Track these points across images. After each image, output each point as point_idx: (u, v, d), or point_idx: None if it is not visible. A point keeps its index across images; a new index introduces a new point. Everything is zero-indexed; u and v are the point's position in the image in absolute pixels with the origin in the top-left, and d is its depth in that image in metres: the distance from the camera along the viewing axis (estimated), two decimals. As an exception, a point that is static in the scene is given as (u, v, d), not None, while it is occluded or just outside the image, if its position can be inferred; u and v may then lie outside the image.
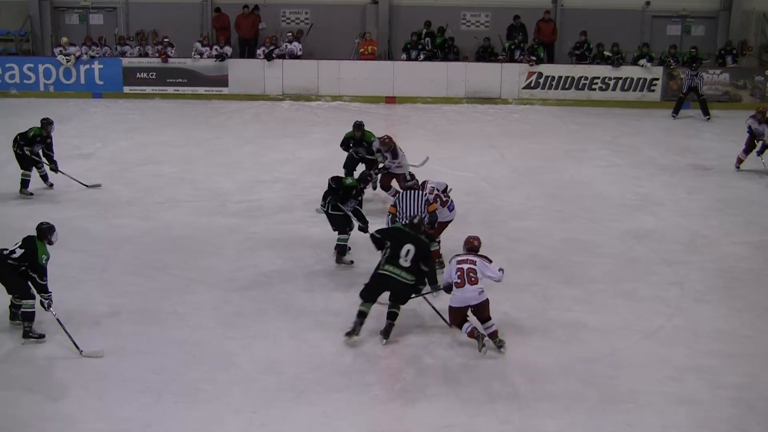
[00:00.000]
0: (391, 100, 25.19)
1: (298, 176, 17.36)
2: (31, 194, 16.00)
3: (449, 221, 12.66)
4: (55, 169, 16.33)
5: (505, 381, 9.66)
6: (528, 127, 22.60)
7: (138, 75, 25.70)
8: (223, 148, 19.56)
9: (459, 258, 10.61)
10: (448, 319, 10.68)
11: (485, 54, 26.15)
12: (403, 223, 11.43)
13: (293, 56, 25.73)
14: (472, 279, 10.37)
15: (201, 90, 25.44)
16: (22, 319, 10.48)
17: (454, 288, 10.44)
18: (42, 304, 10.34)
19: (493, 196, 16.37)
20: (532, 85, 25.50)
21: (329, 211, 12.76)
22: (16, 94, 25.45)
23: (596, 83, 25.45)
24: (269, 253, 13.31)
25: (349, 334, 10.45)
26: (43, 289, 10.29)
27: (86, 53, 25.61)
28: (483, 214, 15.26)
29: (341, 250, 12.97)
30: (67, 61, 25.45)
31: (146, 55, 25.93)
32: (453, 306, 10.48)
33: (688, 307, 11.69)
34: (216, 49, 25.67)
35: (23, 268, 10.30)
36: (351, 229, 12.83)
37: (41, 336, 10.44)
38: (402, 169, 14.95)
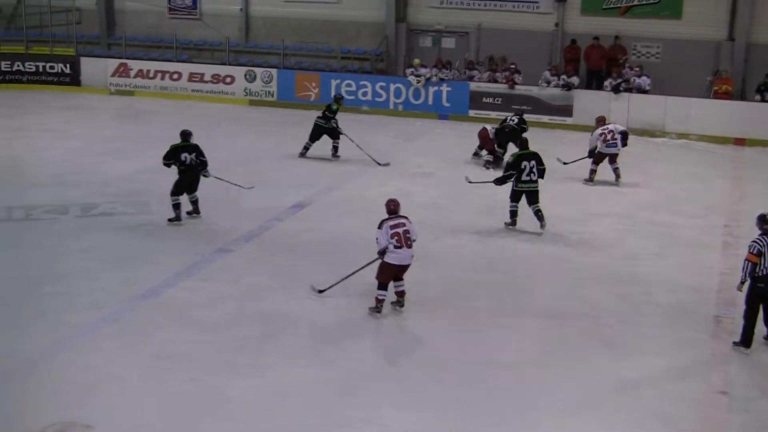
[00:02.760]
0: (740, 141, 24.18)
1: (632, 211, 16.99)
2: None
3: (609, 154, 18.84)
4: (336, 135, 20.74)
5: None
6: None
7: (484, 99, 26.12)
8: (562, 177, 19.46)
9: (391, 223, 11.64)
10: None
11: None
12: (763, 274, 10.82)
13: (641, 90, 25.30)
14: (409, 243, 11.59)
15: (545, 118, 25.37)
16: (196, 210, 15.65)
17: (392, 248, 11.47)
18: (205, 176, 15.60)
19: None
20: None
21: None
22: (367, 110, 26.53)
23: None
24: (597, 287, 13.11)
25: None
26: (206, 164, 15.55)
27: (436, 75, 26.32)
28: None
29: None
30: (418, 82, 26.27)
31: (495, 80, 26.28)
32: (391, 263, 11.54)
33: None
34: (563, 78, 25.66)
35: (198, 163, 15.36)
36: None
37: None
38: None
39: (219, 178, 16.00)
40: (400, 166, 20.00)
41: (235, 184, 16.48)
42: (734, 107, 24.84)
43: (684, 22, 27.21)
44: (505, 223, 15.74)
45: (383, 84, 26.85)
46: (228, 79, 28.19)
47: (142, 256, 13.71)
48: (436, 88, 26.38)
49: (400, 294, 11.83)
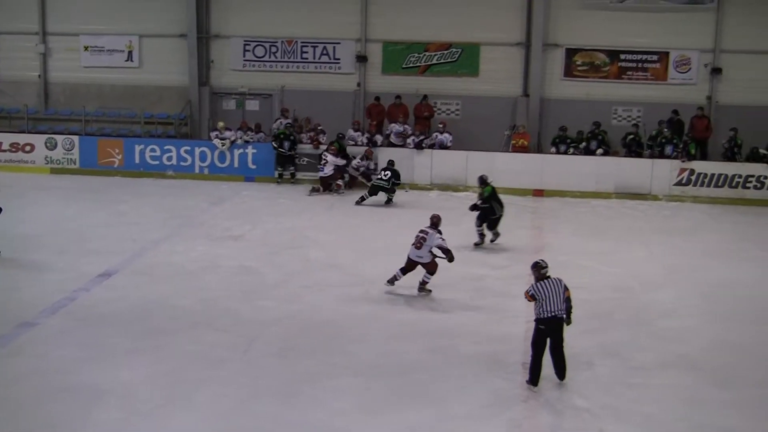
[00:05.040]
0: (538, 193, 25.00)
1: (444, 266, 17.28)
2: None
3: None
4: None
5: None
6: (679, 225, 22.11)
7: (296, 161, 26.07)
8: (371, 234, 19.68)
9: (421, 229, 15.52)
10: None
11: (633, 147, 25.79)
12: (549, 316, 11.40)
13: (443, 146, 25.88)
14: (418, 245, 15.27)
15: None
16: None
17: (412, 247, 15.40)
18: None
19: (641, 294, 15.99)
20: (683, 181, 25.02)
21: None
22: (173, 175, 26.24)
23: (751, 182, 24.80)
24: (410, 342, 13.22)
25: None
26: None
27: (241, 138, 26.27)
28: (630, 311, 14.94)
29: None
30: (223, 145, 26.13)
31: (300, 141, 26.35)
32: (409, 256, 15.49)
33: None
34: (366, 136, 26.01)
35: None
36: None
37: None
38: None
39: None
40: (207, 230, 19.83)
41: None
42: (532, 160, 25.74)
43: (481, 80, 28.25)
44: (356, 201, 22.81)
45: (188, 148, 26.59)
46: (27, 148, 27.30)
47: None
48: (241, 150, 26.29)
49: (423, 283, 15.51)
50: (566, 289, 11.68)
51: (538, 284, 11.65)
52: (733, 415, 11.03)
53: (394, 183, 23.67)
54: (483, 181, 19.54)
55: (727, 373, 12.37)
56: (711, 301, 15.70)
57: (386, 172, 23.60)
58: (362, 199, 23.40)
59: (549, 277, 11.72)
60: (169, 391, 11.24)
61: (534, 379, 11.53)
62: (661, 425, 10.71)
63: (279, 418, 10.57)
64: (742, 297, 16.00)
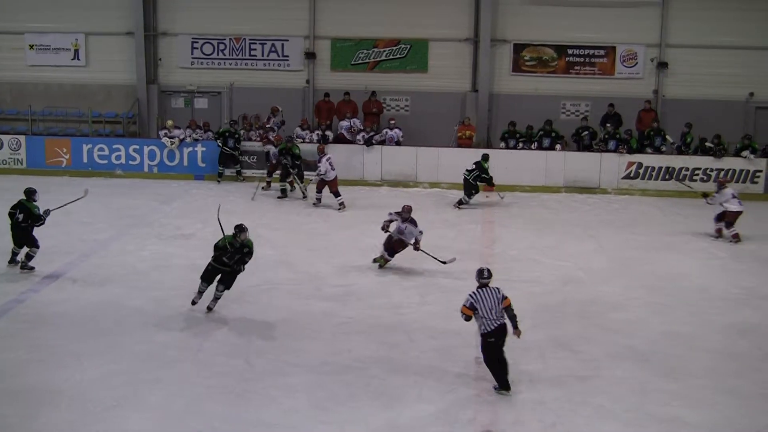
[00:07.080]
0: (488, 188, 25.05)
1: (393, 262, 17.32)
2: None
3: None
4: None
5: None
6: (627, 218, 22.32)
7: (240, 158, 26.03)
8: (321, 232, 19.67)
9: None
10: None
11: (581, 143, 26.05)
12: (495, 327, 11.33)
13: (397, 143, 25.88)
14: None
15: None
16: (28, 259, 16.24)
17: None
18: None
19: (590, 287, 16.14)
20: (631, 175, 25.26)
21: None
22: (122, 174, 26.05)
23: (697, 174, 25.09)
24: (364, 338, 13.27)
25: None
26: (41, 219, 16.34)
27: (190, 136, 26.13)
28: (579, 304, 15.08)
29: None
30: (172, 144, 25.99)
31: (249, 139, 26.27)
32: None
33: (794, 407, 11.33)
34: (317, 133, 25.95)
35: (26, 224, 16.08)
36: None
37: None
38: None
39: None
40: (157, 229, 19.72)
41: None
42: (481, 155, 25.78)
43: (430, 75, 28.37)
44: None
45: (137, 147, 26.43)
46: (-27, 149, 27.05)
47: None
48: (190, 149, 26.18)
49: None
50: (505, 297, 11.48)
51: (476, 292, 11.45)
52: (681, 405, 11.19)
53: (476, 177, 23.28)
54: (242, 228, 14.62)
55: (674, 363, 12.55)
56: (658, 293, 15.88)
57: (472, 165, 23.27)
58: (460, 202, 23.21)
59: (488, 285, 11.54)
60: (120, 391, 11.18)
61: (503, 384, 11.36)
62: (612, 415, 10.84)
63: (232, 418, 10.56)
64: (687, 289, 16.20)
